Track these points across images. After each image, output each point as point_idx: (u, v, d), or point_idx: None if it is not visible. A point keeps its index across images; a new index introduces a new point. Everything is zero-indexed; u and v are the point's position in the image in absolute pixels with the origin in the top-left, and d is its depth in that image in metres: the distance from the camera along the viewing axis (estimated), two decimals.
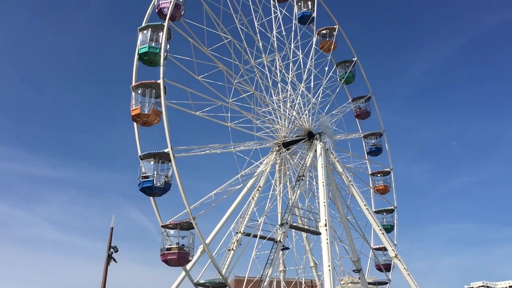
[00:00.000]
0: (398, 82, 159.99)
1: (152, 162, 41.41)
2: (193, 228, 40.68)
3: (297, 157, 55.13)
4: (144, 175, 41.13)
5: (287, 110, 54.60)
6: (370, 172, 65.68)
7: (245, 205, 52.19)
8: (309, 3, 61.75)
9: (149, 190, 41.03)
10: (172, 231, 41.29)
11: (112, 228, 36.85)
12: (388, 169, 65.21)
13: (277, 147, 54.66)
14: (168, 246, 40.59)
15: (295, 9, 61.16)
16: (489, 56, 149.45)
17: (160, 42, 43.06)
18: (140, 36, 44.14)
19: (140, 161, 41.76)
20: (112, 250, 36.23)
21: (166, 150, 40.49)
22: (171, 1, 44.60)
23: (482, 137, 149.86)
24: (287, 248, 54.41)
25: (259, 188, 53.88)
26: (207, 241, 47.41)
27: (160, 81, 41.58)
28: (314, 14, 61.17)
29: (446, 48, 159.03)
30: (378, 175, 65.64)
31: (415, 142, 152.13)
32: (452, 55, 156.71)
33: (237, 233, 51.40)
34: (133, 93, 42.67)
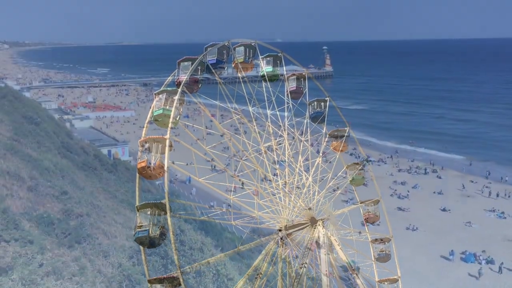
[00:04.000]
0: None
1: (148, 213, 41.45)
2: (180, 284, 39.05)
3: (298, 241, 53.77)
4: (139, 225, 40.90)
5: (292, 196, 54.68)
6: (377, 280, 62.92)
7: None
8: (322, 104, 64.81)
9: (144, 240, 40.44)
10: (158, 286, 39.68)
11: None
12: (395, 277, 62.35)
13: (279, 233, 53.74)
14: None
15: (309, 108, 64.08)
16: None
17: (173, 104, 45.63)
18: (155, 100, 46.98)
19: (137, 212, 41.76)
20: None
21: (163, 201, 40.66)
22: (188, 72, 48.12)
23: None
24: None
25: (260, 275, 52.07)
26: None
27: (167, 136, 43.29)
28: (326, 113, 63.92)
29: None
30: (385, 283, 62.74)
31: None
32: None
33: None
34: (140, 149, 44.22)
